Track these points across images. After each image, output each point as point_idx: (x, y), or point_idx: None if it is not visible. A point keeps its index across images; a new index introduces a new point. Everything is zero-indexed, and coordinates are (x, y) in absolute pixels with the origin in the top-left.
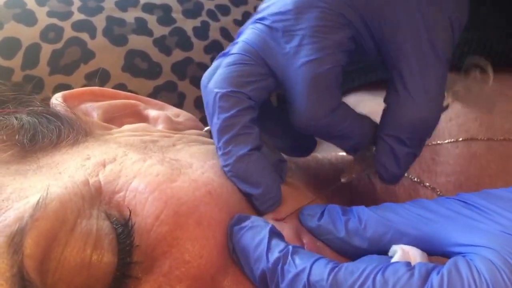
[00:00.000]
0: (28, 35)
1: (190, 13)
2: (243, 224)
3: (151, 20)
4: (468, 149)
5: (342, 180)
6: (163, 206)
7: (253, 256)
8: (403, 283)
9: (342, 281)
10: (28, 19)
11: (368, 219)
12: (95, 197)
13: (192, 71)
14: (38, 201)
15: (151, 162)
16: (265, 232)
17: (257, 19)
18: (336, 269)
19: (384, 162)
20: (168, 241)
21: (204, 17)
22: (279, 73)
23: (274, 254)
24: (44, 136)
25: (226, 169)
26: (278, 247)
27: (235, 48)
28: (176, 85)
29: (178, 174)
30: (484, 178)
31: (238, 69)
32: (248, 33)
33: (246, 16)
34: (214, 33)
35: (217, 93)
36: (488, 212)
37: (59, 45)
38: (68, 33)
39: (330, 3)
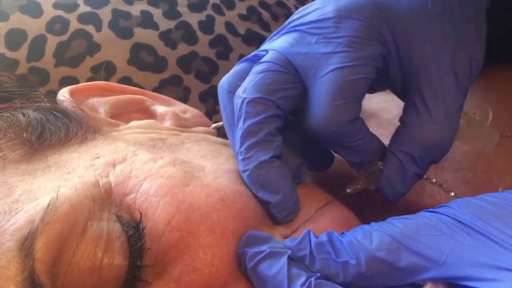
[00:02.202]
0: (33, 26)
1: (195, 7)
2: (259, 249)
3: (157, 13)
4: None
5: (348, 190)
6: (175, 211)
7: (271, 285)
8: None
9: None
10: (34, 10)
11: (366, 260)
12: (106, 198)
13: (197, 65)
14: (48, 204)
15: (162, 163)
16: (284, 260)
17: (290, 28)
18: None
19: (391, 178)
20: (179, 247)
21: (209, 11)
22: (308, 77)
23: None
24: (52, 134)
25: (245, 174)
26: (299, 279)
27: (267, 57)
28: (181, 79)
29: (190, 177)
30: (492, 174)
31: (268, 77)
32: (280, 41)
33: (251, 10)
34: (219, 28)
35: (245, 98)
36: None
37: (64, 37)
38: (74, 25)
39: (370, 18)
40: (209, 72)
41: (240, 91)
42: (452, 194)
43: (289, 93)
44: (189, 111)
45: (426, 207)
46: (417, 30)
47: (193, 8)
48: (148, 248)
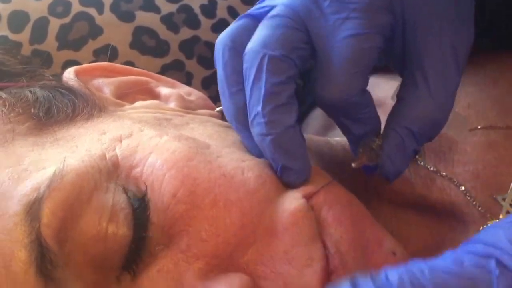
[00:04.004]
0: (36, 8)
1: None
2: None
3: None
4: (487, 137)
5: (353, 165)
6: (180, 185)
7: None
8: None
9: None
10: None
11: None
12: (112, 171)
13: (199, 50)
14: (55, 172)
15: (167, 138)
16: None
17: None
18: None
19: (391, 155)
20: (185, 220)
21: None
22: (319, 40)
23: None
24: (59, 110)
25: (268, 137)
26: None
27: (280, 11)
28: (184, 64)
29: (195, 153)
30: (502, 166)
31: (287, 33)
32: None
33: None
34: (221, 12)
35: (266, 54)
36: None
37: (67, 20)
38: (76, 7)
39: None
40: (211, 57)
41: (256, 45)
42: (463, 188)
43: (304, 53)
44: (194, 94)
45: (436, 201)
46: (425, 4)
47: None
48: (153, 222)
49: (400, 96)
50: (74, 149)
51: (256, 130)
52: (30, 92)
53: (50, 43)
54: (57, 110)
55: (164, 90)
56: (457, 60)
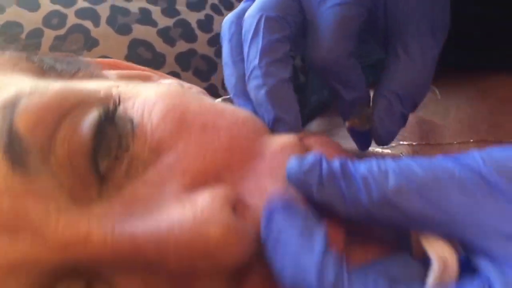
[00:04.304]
0: (30, 20)
1: (194, 6)
2: (288, 215)
3: (155, 11)
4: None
5: (346, 124)
6: (171, 108)
7: (296, 257)
8: None
9: None
10: (31, 4)
11: (379, 200)
12: (104, 101)
13: (195, 63)
14: (42, 83)
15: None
16: (321, 243)
17: None
18: None
19: (382, 117)
20: (173, 137)
21: (208, 10)
22: (309, 12)
23: (329, 274)
24: (63, 70)
25: (263, 89)
26: (332, 265)
27: None
28: (179, 76)
29: (188, 92)
30: None
31: (281, 1)
32: None
33: None
34: (218, 26)
35: (262, 15)
36: None
37: (62, 31)
38: (72, 20)
39: None
40: (207, 70)
41: (253, 10)
42: None
43: (297, 19)
44: (194, 87)
45: None
46: None
47: (192, 7)
48: (138, 129)
49: (384, 66)
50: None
51: (252, 83)
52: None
53: (43, 54)
54: (60, 69)
55: (165, 81)
56: (434, 33)
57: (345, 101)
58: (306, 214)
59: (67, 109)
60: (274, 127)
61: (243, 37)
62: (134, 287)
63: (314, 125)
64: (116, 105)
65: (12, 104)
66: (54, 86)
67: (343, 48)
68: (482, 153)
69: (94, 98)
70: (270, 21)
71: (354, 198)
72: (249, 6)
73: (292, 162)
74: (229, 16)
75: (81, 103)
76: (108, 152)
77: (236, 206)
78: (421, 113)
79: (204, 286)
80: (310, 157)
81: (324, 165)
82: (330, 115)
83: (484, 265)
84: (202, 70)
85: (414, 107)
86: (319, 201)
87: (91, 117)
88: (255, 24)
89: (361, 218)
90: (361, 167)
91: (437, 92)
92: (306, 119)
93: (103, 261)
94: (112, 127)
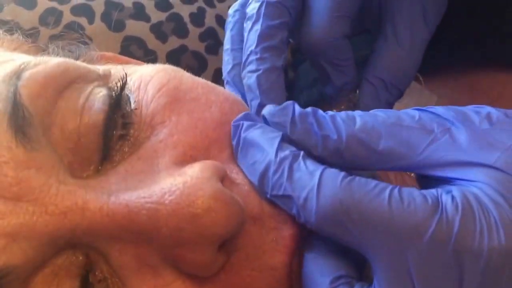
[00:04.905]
0: (27, 18)
1: None
2: (254, 122)
3: (149, 4)
4: None
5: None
6: (166, 82)
7: (259, 150)
8: (418, 203)
9: (355, 189)
10: (28, 1)
11: (347, 138)
12: (103, 77)
13: (186, 60)
14: (44, 58)
15: None
16: (278, 134)
17: None
18: (350, 177)
19: (367, 103)
20: (166, 112)
21: (200, 3)
22: None
23: (285, 152)
24: (65, 55)
25: (254, 74)
26: (289, 148)
27: None
28: None
29: (182, 70)
30: None
31: None
32: None
33: None
34: (209, 20)
35: (263, 1)
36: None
37: (57, 30)
38: (67, 17)
39: None
40: (198, 68)
41: None
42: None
43: (297, 4)
44: None
45: None
46: None
47: None
48: (136, 109)
49: (373, 50)
50: None
51: (247, 68)
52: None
53: None
54: (63, 55)
55: None
56: (425, 17)
57: (334, 86)
58: (264, 124)
59: (68, 80)
60: (258, 113)
61: (245, 24)
62: (127, 258)
63: None
64: (124, 84)
65: (17, 74)
66: (56, 59)
67: (337, 29)
68: (442, 106)
69: (94, 73)
70: (270, 7)
71: (324, 136)
72: None
73: (268, 107)
74: (234, 5)
75: (82, 76)
76: (115, 131)
77: (224, 179)
78: (405, 101)
79: (193, 257)
80: (284, 103)
81: (297, 108)
82: None
83: (442, 184)
84: (193, 67)
85: (400, 94)
86: (292, 139)
87: (101, 97)
88: (256, 10)
89: (330, 156)
90: (330, 112)
91: (421, 79)
92: None
93: (99, 229)
94: (118, 108)
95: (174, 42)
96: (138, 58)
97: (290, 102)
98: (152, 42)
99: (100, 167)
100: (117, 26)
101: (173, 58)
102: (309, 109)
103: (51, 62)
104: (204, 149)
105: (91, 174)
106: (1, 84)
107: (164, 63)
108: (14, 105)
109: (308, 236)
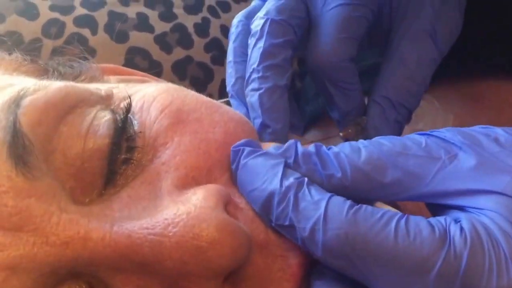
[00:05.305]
0: (29, 29)
1: (191, 9)
2: (256, 149)
3: (153, 15)
4: None
5: (341, 134)
6: (169, 103)
7: (262, 177)
8: (425, 236)
9: (361, 221)
10: (30, 12)
11: (352, 173)
12: (105, 99)
13: (192, 71)
14: (43, 82)
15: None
16: (281, 160)
17: None
18: (357, 207)
19: (376, 125)
20: (169, 133)
21: (205, 13)
22: (315, 11)
23: (289, 180)
24: (66, 72)
25: (257, 92)
26: (293, 175)
27: None
28: None
29: (185, 89)
30: None
31: (288, 3)
32: None
33: None
34: (214, 31)
35: (268, 19)
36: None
37: (60, 42)
38: (70, 28)
39: None
40: (204, 78)
41: (261, 14)
42: None
43: (303, 22)
44: None
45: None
46: None
47: (189, 10)
48: (140, 132)
49: (379, 70)
50: None
51: (250, 86)
52: (40, 60)
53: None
54: (64, 72)
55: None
56: (434, 38)
57: (340, 110)
58: (266, 151)
59: (70, 105)
60: (261, 133)
61: (249, 41)
62: None
63: (309, 135)
64: (129, 109)
65: (16, 102)
66: (57, 84)
67: (343, 51)
68: (448, 128)
69: (96, 96)
70: (274, 25)
71: (328, 175)
72: (260, 6)
73: (270, 149)
74: (239, 15)
75: (84, 99)
76: (119, 155)
77: (228, 205)
78: (421, 125)
79: None
80: (287, 143)
81: (299, 147)
82: (326, 124)
83: (451, 212)
84: (199, 78)
85: (408, 114)
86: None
87: (106, 121)
88: (260, 27)
89: (336, 191)
90: (335, 148)
91: (436, 102)
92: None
93: (101, 259)
94: (123, 132)
95: (179, 53)
96: (143, 70)
97: (292, 141)
98: (156, 53)
99: (103, 191)
100: (121, 37)
101: (179, 68)
102: (312, 147)
103: (51, 87)
104: (206, 170)
105: (94, 199)
106: (0, 113)
107: (170, 74)
108: (14, 134)
109: (316, 263)
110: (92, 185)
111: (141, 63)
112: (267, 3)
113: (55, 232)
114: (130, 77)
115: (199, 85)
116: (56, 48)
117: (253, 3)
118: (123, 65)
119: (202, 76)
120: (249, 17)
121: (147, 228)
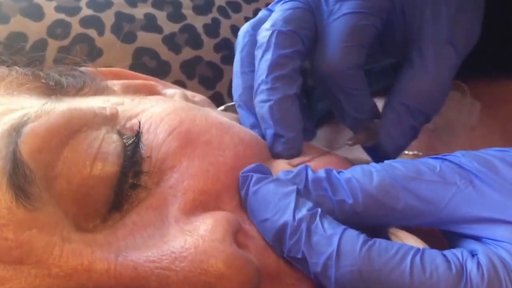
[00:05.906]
0: (34, 30)
1: (201, 10)
2: (266, 176)
3: (161, 16)
4: None
5: (349, 143)
6: (177, 124)
7: (274, 207)
8: (441, 273)
9: (375, 256)
10: (35, 13)
11: (364, 200)
12: (110, 119)
13: (201, 70)
14: (47, 106)
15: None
16: (293, 188)
17: None
18: (370, 242)
19: (390, 131)
20: (177, 156)
21: (214, 13)
22: (321, 20)
23: (302, 212)
24: (69, 85)
25: (266, 104)
26: (306, 205)
27: None
28: (184, 85)
29: (194, 108)
30: None
31: (295, 13)
32: None
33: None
34: (224, 31)
35: (275, 30)
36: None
37: (66, 42)
38: (76, 29)
39: None
40: (213, 77)
41: (267, 25)
42: None
43: (310, 33)
44: (198, 96)
45: None
46: None
47: (198, 10)
48: (148, 157)
49: (398, 76)
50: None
51: (258, 98)
52: (41, 70)
53: (48, 66)
54: (66, 84)
55: (169, 91)
56: (454, 44)
57: (350, 118)
58: (275, 177)
59: (73, 130)
60: (274, 144)
61: (255, 52)
62: None
63: (320, 133)
64: (139, 139)
65: (17, 129)
66: (59, 108)
67: (351, 59)
68: (463, 151)
69: (100, 117)
70: (281, 36)
71: (339, 201)
72: (266, 16)
73: (280, 174)
74: (245, 25)
75: (88, 123)
76: (126, 182)
77: (238, 233)
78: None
79: None
80: (297, 168)
81: (310, 172)
82: (337, 122)
83: (467, 242)
84: (208, 77)
85: (426, 120)
86: None
87: (114, 148)
88: (267, 38)
89: (348, 218)
90: (346, 173)
91: (466, 88)
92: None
93: None
94: (131, 159)
95: (188, 53)
96: (151, 69)
97: (302, 166)
98: (164, 53)
99: (107, 217)
100: (128, 38)
101: (188, 68)
102: (322, 172)
103: (53, 112)
104: (215, 194)
105: (97, 225)
106: (0, 141)
107: (178, 73)
108: (14, 163)
109: None
110: (96, 211)
111: (149, 62)
112: (273, 13)
113: (57, 264)
114: (134, 82)
115: (208, 84)
116: (62, 48)
117: (260, 14)
118: (131, 65)
119: (211, 75)
120: (256, 27)
121: (154, 262)
